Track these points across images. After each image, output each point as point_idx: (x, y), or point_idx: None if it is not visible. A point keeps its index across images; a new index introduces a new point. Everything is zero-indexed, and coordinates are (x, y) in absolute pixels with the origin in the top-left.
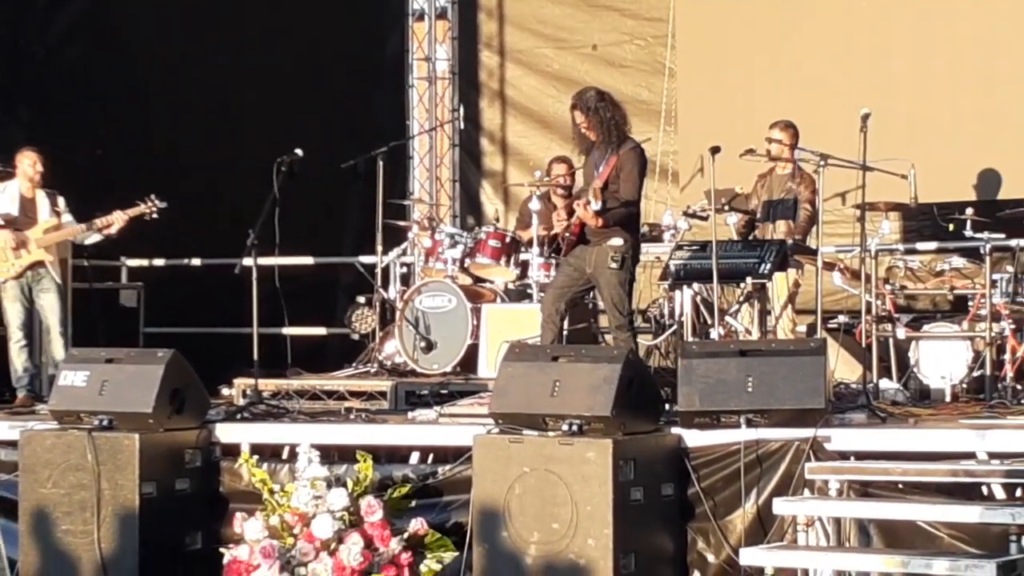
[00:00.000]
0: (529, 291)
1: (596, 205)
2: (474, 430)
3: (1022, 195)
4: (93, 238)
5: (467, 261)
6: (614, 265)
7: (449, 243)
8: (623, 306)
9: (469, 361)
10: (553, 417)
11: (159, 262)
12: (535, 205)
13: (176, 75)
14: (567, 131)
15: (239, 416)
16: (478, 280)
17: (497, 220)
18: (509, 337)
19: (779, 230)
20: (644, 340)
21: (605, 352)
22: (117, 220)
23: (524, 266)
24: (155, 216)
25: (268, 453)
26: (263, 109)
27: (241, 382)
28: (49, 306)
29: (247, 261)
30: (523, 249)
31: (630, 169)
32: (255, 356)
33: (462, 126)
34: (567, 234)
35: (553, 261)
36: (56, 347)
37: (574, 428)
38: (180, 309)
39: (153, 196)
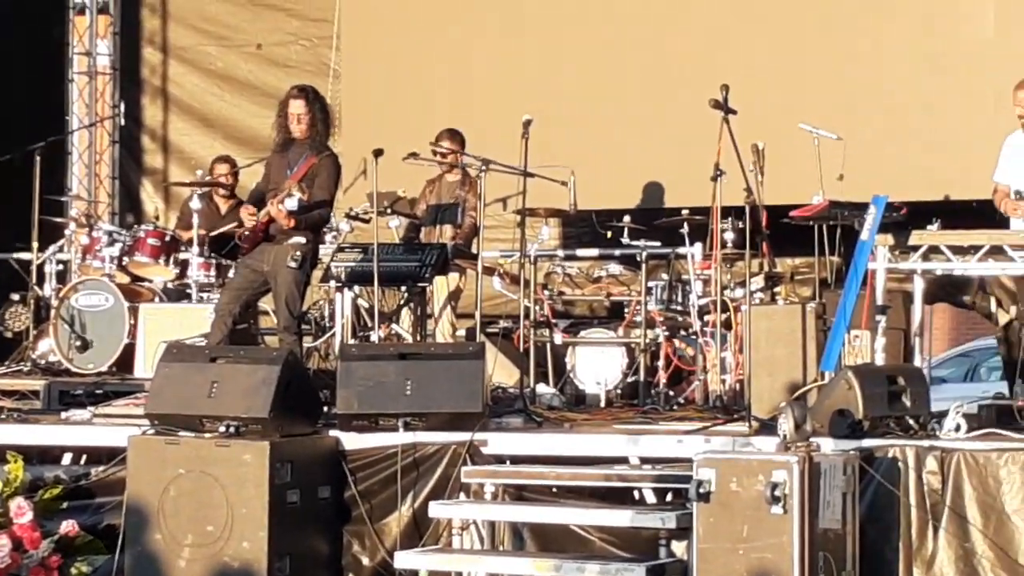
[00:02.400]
0: (188, 291)
1: (293, 203)
2: (129, 431)
3: (678, 204)
4: None
5: (125, 259)
6: (293, 264)
7: (107, 241)
8: (295, 307)
9: (126, 361)
10: (210, 418)
11: None
12: (196, 204)
13: None
14: (230, 130)
15: None
16: (136, 279)
17: (157, 218)
18: (167, 337)
19: (445, 235)
20: (304, 342)
21: (264, 354)
22: None
23: (184, 265)
24: None
25: None
26: None
27: None
28: None
29: None
30: (183, 248)
31: (327, 175)
32: None
33: (123, 122)
34: (248, 232)
35: (213, 261)
36: None
37: (231, 430)
38: None
39: None
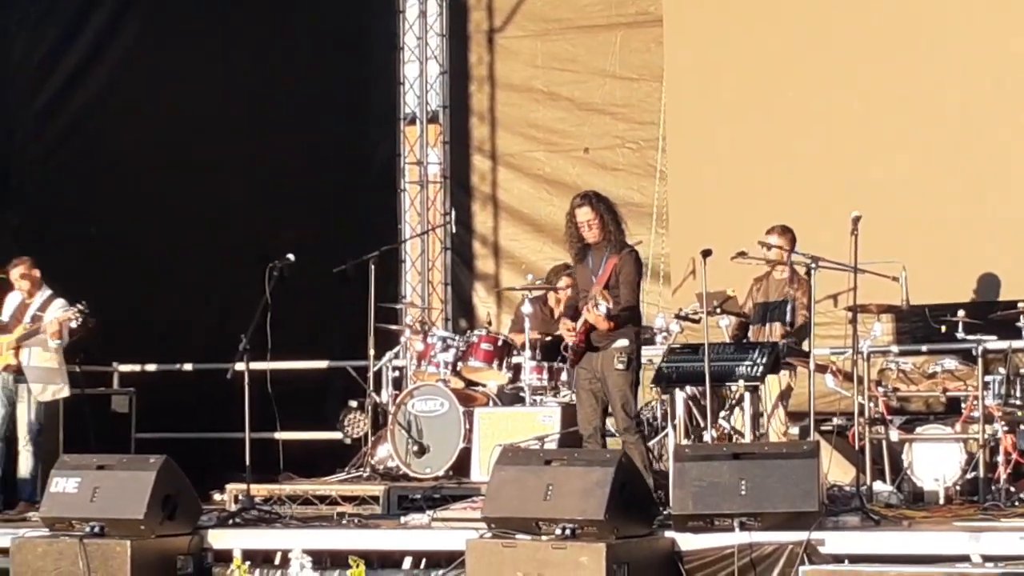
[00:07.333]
0: (522, 395)
1: (603, 308)
2: (467, 534)
3: (1014, 296)
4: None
5: (459, 364)
6: (620, 366)
7: (441, 346)
8: (630, 408)
9: (462, 465)
10: (546, 521)
11: (151, 367)
12: (528, 308)
13: (167, 180)
14: (558, 234)
15: (231, 522)
16: (470, 384)
17: (489, 323)
18: (502, 441)
19: (774, 333)
20: None
21: (598, 455)
22: (51, 325)
23: (517, 369)
24: (78, 322)
25: (260, 559)
26: (254, 212)
27: (233, 487)
28: (21, 415)
29: (239, 366)
30: (516, 352)
31: (629, 271)
32: (247, 461)
33: (454, 229)
34: (572, 343)
35: (546, 365)
36: (23, 458)
37: (567, 532)
38: (172, 414)
39: (83, 302)
